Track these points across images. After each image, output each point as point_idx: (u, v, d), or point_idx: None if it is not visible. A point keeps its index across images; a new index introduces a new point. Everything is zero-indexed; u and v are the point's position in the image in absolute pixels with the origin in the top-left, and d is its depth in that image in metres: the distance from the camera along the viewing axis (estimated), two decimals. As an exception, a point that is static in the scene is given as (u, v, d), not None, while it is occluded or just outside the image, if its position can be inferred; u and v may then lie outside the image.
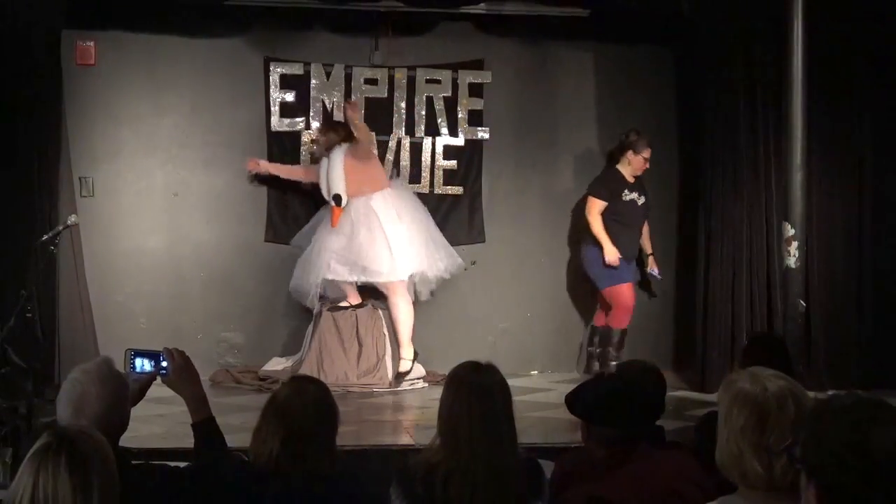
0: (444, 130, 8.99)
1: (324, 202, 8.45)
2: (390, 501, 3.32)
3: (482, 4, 8.65)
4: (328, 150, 8.30)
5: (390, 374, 8.29)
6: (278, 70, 8.82)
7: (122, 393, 3.25)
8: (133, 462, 3.27)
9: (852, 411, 1.97)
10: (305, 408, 3.29)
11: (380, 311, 8.44)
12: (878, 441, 1.91)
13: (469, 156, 9.06)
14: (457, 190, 9.05)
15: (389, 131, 8.94)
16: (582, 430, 3.51)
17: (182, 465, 3.46)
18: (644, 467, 3.30)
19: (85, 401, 3.15)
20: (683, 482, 3.25)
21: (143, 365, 3.53)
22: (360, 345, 8.32)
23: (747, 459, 2.44)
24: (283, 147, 8.89)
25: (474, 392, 3.35)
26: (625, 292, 8.46)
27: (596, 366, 8.46)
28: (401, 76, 8.91)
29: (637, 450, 3.33)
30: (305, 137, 8.87)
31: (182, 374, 3.49)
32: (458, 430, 3.29)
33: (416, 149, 8.96)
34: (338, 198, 8.20)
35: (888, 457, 1.90)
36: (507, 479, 3.24)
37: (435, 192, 9.03)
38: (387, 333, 8.39)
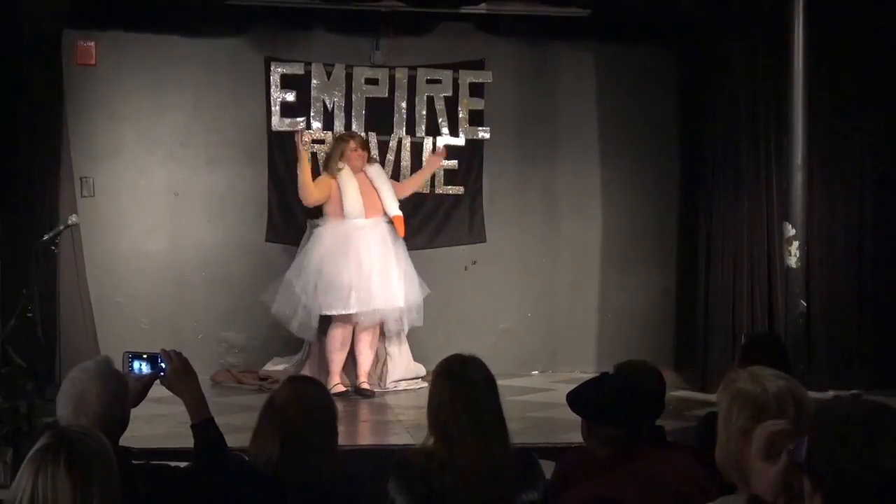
0: (445, 130, 8.99)
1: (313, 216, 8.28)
2: (388, 497, 3.33)
3: (483, 4, 8.66)
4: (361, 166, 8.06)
5: (390, 375, 8.29)
6: (279, 70, 8.82)
7: (122, 392, 3.26)
8: (133, 462, 3.27)
9: (860, 421, 1.94)
10: (304, 410, 3.28)
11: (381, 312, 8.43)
12: (887, 452, 1.89)
13: (469, 156, 9.06)
14: (457, 190, 9.05)
15: (390, 131, 8.94)
16: (583, 429, 3.50)
17: (183, 465, 3.46)
18: (645, 467, 3.30)
19: (85, 400, 3.15)
20: (684, 482, 3.25)
21: (141, 367, 3.52)
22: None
23: (747, 459, 2.43)
24: (284, 147, 8.88)
25: (458, 385, 3.37)
26: None
27: None
28: (401, 76, 8.92)
29: (638, 449, 3.34)
30: (306, 137, 8.85)
31: (180, 375, 3.47)
32: (446, 423, 3.32)
33: (416, 149, 8.96)
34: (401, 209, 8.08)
35: None
36: (498, 469, 3.25)
37: (435, 191, 9.03)
38: (386, 334, 8.39)
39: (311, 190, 7.99)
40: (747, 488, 2.44)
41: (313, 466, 3.24)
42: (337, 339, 7.95)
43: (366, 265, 7.90)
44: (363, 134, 8.84)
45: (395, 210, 8.04)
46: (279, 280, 8.11)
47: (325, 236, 8.04)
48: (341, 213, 7.98)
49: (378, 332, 8.13)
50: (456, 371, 3.43)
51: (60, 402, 3.19)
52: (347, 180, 8.00)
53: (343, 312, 7.89)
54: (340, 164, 8.05)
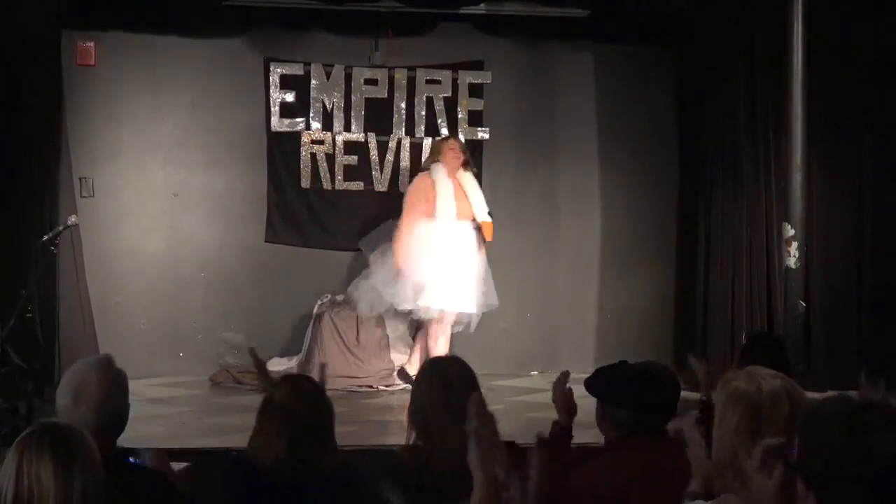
0: (444, 131, 8.99)
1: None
2: (383, 497, 3.38)
3: (482, 5, 8.66)
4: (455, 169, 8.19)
5: (394, 374, 8.29)
6: (278, 70, 8.83)
7: (122, 385, 3.24)
8: (132, 461, 3.26)
9: (847, 418, 1.95)
10: (307, 406, 3.32)
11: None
12: (876, 446, 1.89)
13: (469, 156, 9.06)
14: (457, 190, 9.04)
15: (389, 132, 8.94)
16: (597, 412, 3.55)
17: (182, 465, 3.47)
18: (646, 459, 3.32)
19: (85, 388, 3.14)
20: (683, 478, 3.27)
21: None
22: (361, 345, 8.32)
23: (741, 458, 2.43)
24: (283, 148, 8.89)
25: (435, 383, 3.53)
26: None
27: None
28: (401, 76, 8.92)
29: (647, 438, 3.37)
30: (305, 138, 8.88)
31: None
32: (425, 421, 3.47)
33: (416, 149, 8.97)
34: (491, 215, 8.23)
35: (888, 461, 1.89)
36: None
37: (435, 192, 9.03)
38: (389, 334, 8.39)
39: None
40: (739, 486, 2.44)
41: (318, 461, 3.28)
42: (440, 331, 8.10)
43: (447, 266, 8.01)
44: (362, 134, 8.88)
45: (484, 215, 8.17)
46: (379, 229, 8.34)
47: (415, 232, 8.12)
48: (433, 212, 8.06)
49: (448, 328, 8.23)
50: (431, 373, 3.60)
51: (61, 392, 3.18)
52: (443, 181, 8.09)
53: (412, 307, 8.04)
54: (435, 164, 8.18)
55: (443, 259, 8.00)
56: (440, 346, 8.15)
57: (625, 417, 3.42)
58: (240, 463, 3.38)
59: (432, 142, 8.64)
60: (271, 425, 3.32)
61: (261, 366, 4.60)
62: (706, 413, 3.20)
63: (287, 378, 3.66)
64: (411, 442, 3.52)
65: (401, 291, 8.00)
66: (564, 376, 4.01)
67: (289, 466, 3.25)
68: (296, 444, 3.26)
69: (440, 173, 8.08)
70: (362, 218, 8.96)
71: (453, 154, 8.10)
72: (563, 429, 3.94)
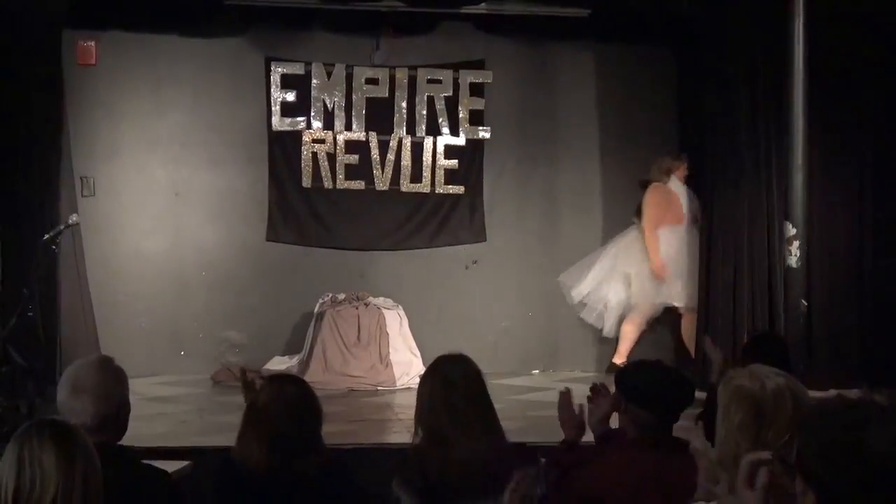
0: (445, 130, 9.00)
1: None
2: (393, 495, 3.39)
3: (483, 4, 8.67)
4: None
5: (396, 373, 8.29)
6: (279, 70, 8.84)
7: (121, 378, 3.23)
8: (131, 460, 3.27)
9: (842, 415, 1.96)
10: (287, 410, 3.33)
11: (383, 311, 8.45)
12: (872, 441, 1.90)
13: (470, 155, 9.07)
14: (458, 189, 9.06)
15: (390, 131, 8.95)
16: (621, 406, 3.55)
17: (182, 464, 3.47)
18: (657, 459, 3.31)
19: (84, 378, 3.13)
20: (689, 480, 3.26)
21: None
22: (362, 344, 8.32)
23: (745, 457, 2.43)
24: (284, 146, 8.90)
25: (438, 382, 3.56)
26: None
27: None
28: (402, 76, 8.93)
29: (664, 439, 3.36)
30: (307, 137, 8.89)
31: None
32: (429, 421, 3.51)
33: (417, 148, 8.97)
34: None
35: (884, 457, 1.89)
36: (488, 458, 3.32)
37: (436, 191, 9.04)
38: (390, 333, 8.40)
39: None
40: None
41: (300, 464, 3.28)
42: (640, 324, 8.72)
43: (689, 265, 8.54)
44: (363, 133, 8.89)
45: None
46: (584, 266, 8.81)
47: (661, 241, 8.61)
48: (675, 219, 8.61)
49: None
50: (434, 372, 3.63)
51: (61, 384, 3.18)
52: (683, 192, 8.67)
53: (675, 304, 8.66)
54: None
55: (686, 259, 8.58)
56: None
57: (645, 418, 3.42)
58: (229, 463, 3.39)
59: (663, 159, 8.80)
60: (253, 428, 3.33)
61: (247, 383, 4.45)
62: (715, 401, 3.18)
63: (272, 380, 3.66)
64: (417, 441, 3.52)
65: (663, 291, 8.64)
66: (567, 395, 3.90)
67: (270, 470, 3.26)
68: (275, 450, 3.27)
69: (678, 184, 8.68)
70: (363, 217, 8.98)
71: (681, 174, 8.71)
72: (570, 444, 3.84)
